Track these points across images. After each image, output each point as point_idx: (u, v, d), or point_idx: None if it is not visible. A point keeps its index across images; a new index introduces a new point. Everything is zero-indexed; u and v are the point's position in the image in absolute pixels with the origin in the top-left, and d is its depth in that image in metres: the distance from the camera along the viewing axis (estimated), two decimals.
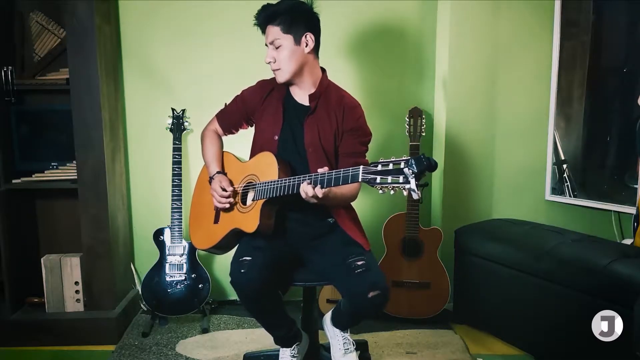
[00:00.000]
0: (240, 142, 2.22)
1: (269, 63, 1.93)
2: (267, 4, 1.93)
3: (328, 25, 2.65)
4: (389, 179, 1.48)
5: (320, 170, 1.68)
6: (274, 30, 1.88)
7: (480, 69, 2.76)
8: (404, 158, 1.48)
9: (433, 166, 1.45)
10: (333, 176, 1.64)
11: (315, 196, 1.67)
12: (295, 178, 1.75)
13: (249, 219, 1.88)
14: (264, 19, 1.91)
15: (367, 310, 1.85)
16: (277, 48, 1.89)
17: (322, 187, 1.66)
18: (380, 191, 1.52)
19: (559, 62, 2.76)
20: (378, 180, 1.50)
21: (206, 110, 2.25)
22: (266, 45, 1.94)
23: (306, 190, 1.68)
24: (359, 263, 1.80)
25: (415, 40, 2.83)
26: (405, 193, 1.48)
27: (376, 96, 2.85)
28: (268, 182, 1.84)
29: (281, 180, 1.79)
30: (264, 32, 1.94)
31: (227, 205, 1.96)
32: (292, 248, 1.97)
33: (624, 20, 2.69)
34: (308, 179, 1.69)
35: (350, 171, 1.59)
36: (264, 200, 1.84)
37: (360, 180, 1.55)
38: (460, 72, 2.72)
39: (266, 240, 1.89)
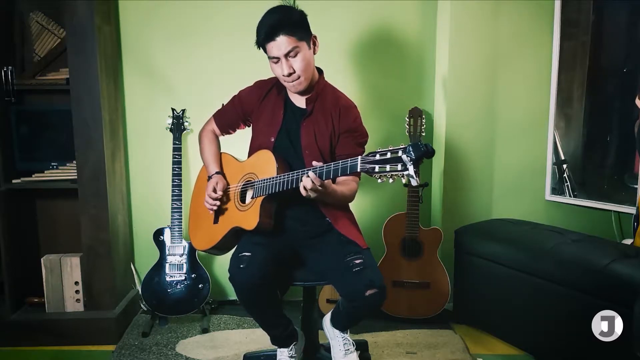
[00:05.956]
0: (238, 142, 2.22)
1: (290, 75, 1.84)
2: (267, 17, 1.84)
3: (328, 25, 2.67)
4: (388, 167, 1.50)
5: (315, 163, 1.69)
6: (290, 40, 1.79)
7: (480, 69, 2.76)
8: (401, 146, 1.49)
9: (430, 152, 1.46)
10: (332, 168, 1.65)
11: (314, 188, 1.67)
12: (294, 173, 1.75)
13: (248, 217, 1.88)
14: (273, 30, 1.79)
15: (365, 309, 1.84)
16: (293, 57, 1.82)
17: (320, 179, 1.66)
18: (379, 180, 1.53)
19: (559, 62, 2.76)
20: (377, 169, 1.52)
21: (206, 110, 2.25)
22: (271, 58, 1.85)
23: (305, 184, 1.67)
24: (357, 262, 1.80)
25: (415, 40, 2.83)
26: (404, 180, 1.50)
27: (376, 96, 2.85)
28: (267, 179, 1.84)
29: (280, 177, 1.79)
30: (263, 45, 1.84)
31: (214, 208, 1.97)
32: (291, 247, 1.98)
33: (624, 20, 2.70)
34: (307, 172, 1.69)
35: (348, 162, 1.60)
36: (263, 197, 1.84)
37: (359, 170, 1.56)
38: (460, 72, 2.72)
39: (266, 237, 1.89)
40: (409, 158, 1.46)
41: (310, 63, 1.88)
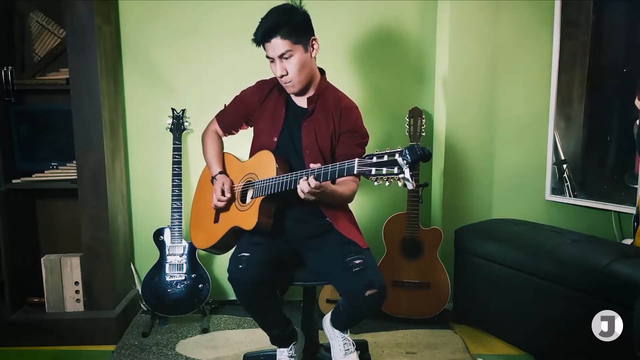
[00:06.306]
0: (241, 142, 2.22)
1: (282, 77, 1.87)
2: (266, 17, 1.85)
3: (329, 25, 2.67)
4: (384, 170, 1.50)
5: (313, 165, 1.69)
6: (284, 43, 1.81)
7: (480, 69, 2.76)
8: (398, 149, 1.50)
9: (427, 155, 1.47)
10: (329, 169, 1.65)
11: (311, 192, 1.67)
12: (292, 174, 1.76)
13: (247, 217, 1.88)
14: (269, 32, 1.82)
15: (365, 309, 1.85)
16: (286, 59, 1.84)
17: (317, 181, 1.66)
18: (376, 183, 1.54)
19: (559, 62, 2.76)
20: (373, 172, 1.52)
21: (206, 110, 2.26)
22: (268, 57, 1.88)
23: (302, 187, 1.68)
24: (357, 262, 1.80)
25: (415, 40, 2.83)
26: (400, 184, 1.50)
27: (376, 96, 2.85)
28: (266, 180, 1.84)
29: (279, 177, 1.80)
30: (261, 44, 1.86)
31: (223, 204, 1.97)
32: (291, 246, 1.98)
33: (624, 20, 2.70)
34: (305, 174, 1.70)
35: (345, 164, 1.61)
36: (263, 197, 1.85)
37: (355, 172, 1.57)
38: (460, 72, 2.72)
39: (265, 237, 1.90)
40: (405, 161, 1.47)
41: (305, 66, 1.88)
